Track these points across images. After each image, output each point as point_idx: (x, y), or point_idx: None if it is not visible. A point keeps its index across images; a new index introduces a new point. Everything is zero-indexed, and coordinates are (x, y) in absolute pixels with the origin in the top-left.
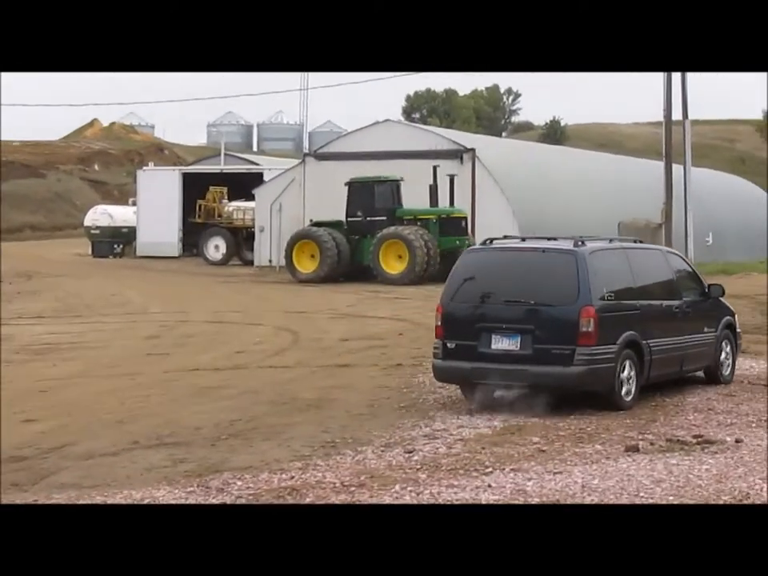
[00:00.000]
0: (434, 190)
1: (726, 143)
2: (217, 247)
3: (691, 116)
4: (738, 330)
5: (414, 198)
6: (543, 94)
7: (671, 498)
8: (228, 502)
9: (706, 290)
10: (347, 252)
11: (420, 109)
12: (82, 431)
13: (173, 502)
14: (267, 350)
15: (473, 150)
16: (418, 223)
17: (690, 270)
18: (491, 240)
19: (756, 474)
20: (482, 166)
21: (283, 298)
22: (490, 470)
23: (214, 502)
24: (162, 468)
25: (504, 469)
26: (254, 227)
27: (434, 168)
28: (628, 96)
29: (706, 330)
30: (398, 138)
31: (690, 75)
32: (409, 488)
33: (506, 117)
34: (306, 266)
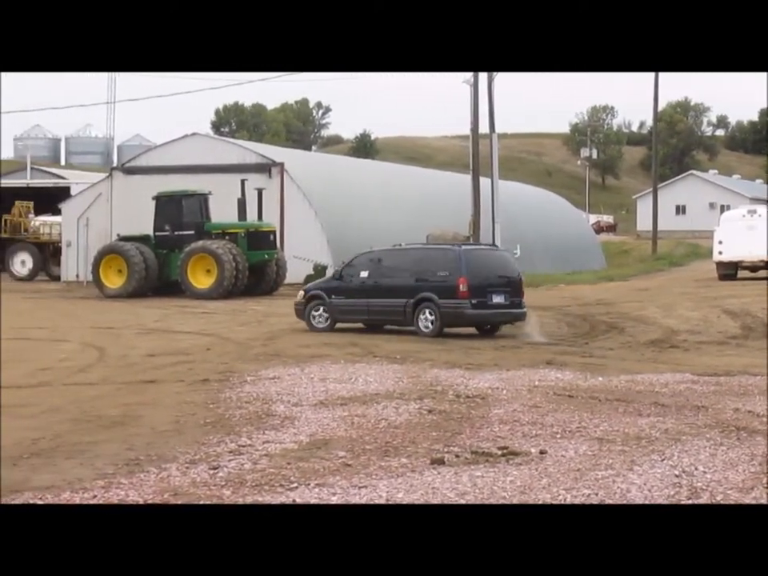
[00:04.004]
0: (242, 204)
1: (534, 156)
2: (23, 263)
3: (499, 129)
4: None
5: (223, 212)
6: (353, 107)
7: None
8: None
9: None
10: (155, 267)
11: (229, 122)
12: None
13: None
14: (72, 366)
15: (281, 163)
16: (227, 237)
17: None
18: (461, 244)
19: (560, 485)
20: (290, 180)
21: (90, 313)
22: (295, 485)
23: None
24: None
25: (309, 484)
26: (60, 242)
27: (242, 182)
28: (437, 109)
29: None
30: (206, 152)
31: (498, 88)
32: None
33: (316, 130)
34: (114, 281)
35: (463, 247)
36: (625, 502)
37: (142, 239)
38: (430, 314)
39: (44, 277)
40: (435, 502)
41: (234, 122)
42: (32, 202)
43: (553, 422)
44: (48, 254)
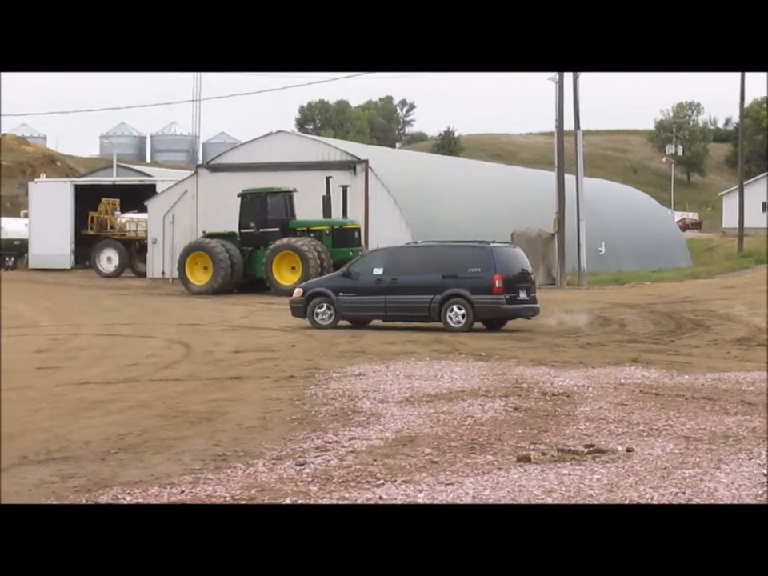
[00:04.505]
0: (326, 201)
1: (619, 153)
2: (109, 259)
3: (584, 126)
4: None
5: (307, 209)
6: (437, 104)
7: None
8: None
9: None
10: (240, 264)
11: (314, 120)
12: None
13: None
14: (159, 362)
15: (366, 161)
16: (311, 234)
17: None
18: (491, 241)
19: (647, 483)
20: (375, 177)
21: (176, 310)
22: (382, 482)
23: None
24: (51, 484)
25: (395, 481)
26: (146, 239)
27: (327, 179)
28: (522, 106)
29: None
30: (291, 149)
31: (583, 85)
32: (300, 501)
33: (400, 128)
34: (199, 277)
35: (492, 245)
36: (712, 502)
37: (228, 236)
38: (460, 309)
39: (130, 273)
40: (522, 499)
41: (319, 119)
42: (118, 199)
43: (639, 420)
44: (134, 250)
